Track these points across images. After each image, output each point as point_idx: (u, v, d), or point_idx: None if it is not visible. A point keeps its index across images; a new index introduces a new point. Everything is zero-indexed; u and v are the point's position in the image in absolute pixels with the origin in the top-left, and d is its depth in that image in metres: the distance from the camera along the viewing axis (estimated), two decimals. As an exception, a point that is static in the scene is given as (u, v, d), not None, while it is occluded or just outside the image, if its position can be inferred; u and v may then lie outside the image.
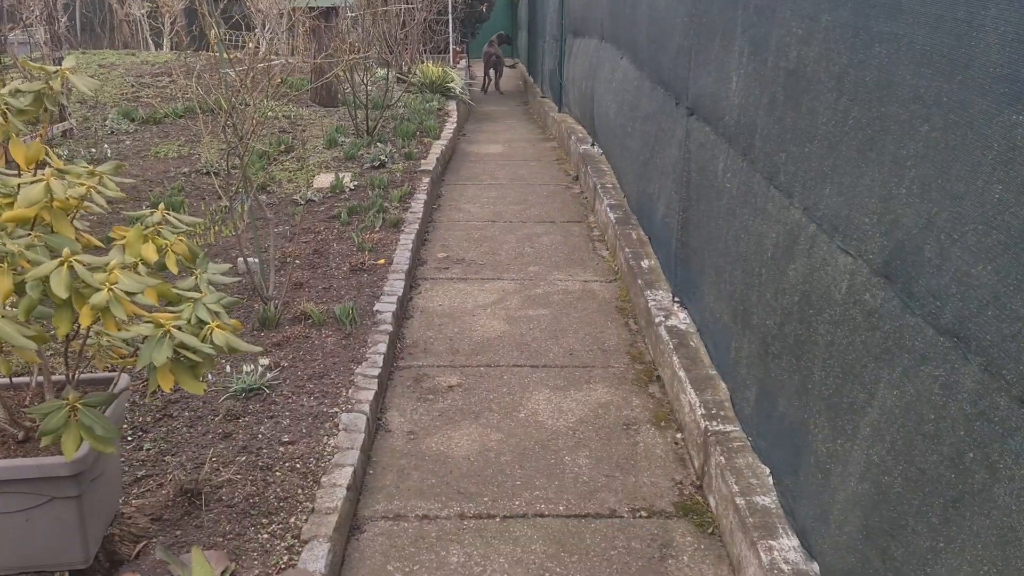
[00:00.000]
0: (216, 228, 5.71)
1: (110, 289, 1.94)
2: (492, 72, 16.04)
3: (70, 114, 8.46)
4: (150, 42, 15.72)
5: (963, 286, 1.72)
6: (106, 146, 7.91)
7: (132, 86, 10.59)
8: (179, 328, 1.99)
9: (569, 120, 10.02)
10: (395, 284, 4.77)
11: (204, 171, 7.16)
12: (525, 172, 8.41)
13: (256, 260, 4.67)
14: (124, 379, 2.40)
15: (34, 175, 2.31)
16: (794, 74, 2.71)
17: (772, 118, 2.91)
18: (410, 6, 10.93)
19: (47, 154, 2.40)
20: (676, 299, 4.36)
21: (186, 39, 11.65)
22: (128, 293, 1.98)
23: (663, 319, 4.19)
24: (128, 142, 8.32)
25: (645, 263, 4.94)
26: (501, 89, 16.49)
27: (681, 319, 4.18)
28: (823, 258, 2.45)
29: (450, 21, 14.47)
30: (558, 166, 8.80)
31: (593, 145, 7.97)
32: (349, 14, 9.42)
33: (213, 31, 4.37)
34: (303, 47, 10.29)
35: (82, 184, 2.18)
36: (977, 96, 1.70)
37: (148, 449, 3.12)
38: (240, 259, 4.75)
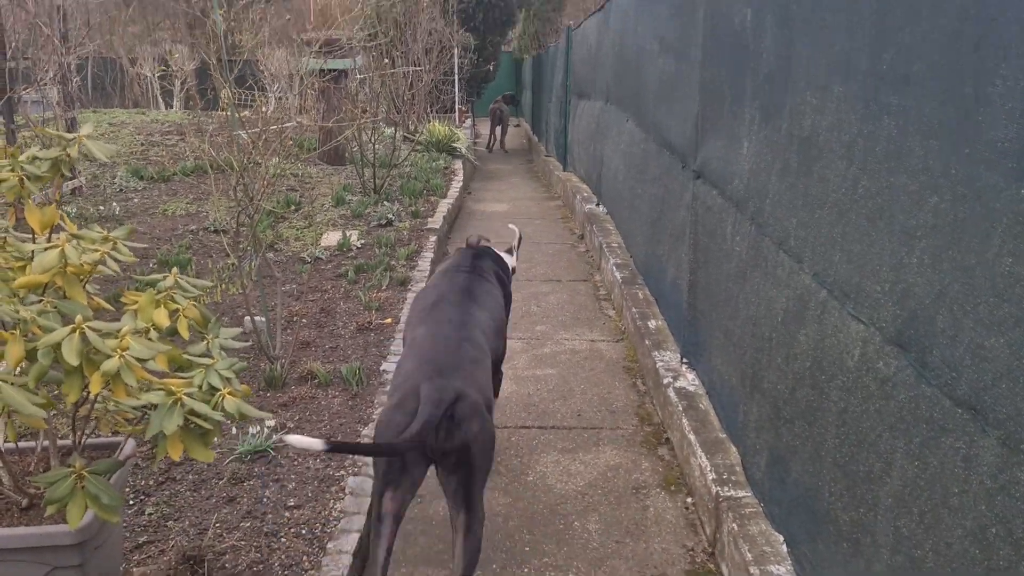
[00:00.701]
0: (223, 286, 5.73)
1: (121, 356, 1.94)
2: (497, 130, 16.34)
3: (79, 172, 8.57)
4: (160, 101, 15.99)
5: (977, 358, 1.72)
6: (115, 204, 7.99)
7: (141, 144, 10.75)
8: (190, 395, 1.98)
9: (574, 179, 10.13)
10: (401, 344, 4.75)
11: (212, 229, 7.22)
12: (531, 230, 8.46)
13: (263, 319, 4.67)
14: (130, 445, 2.38)
15: (48, 240, 2.33)
16: (807, 142, 2.74)
17: (784, 184, 2.93)
18: (417, 68, 11.15)
19: (61, 218, 2.43)
20: (684, 360, 4.34)
21: (199, 100, 11.87)
22: (139, 360, 1.97)
23: (671, 380, 4.16)
24: (136, 200, 8.41)
25: (652, 323, 4.93)
26: (506, 147, 16.75)
27: (690, 380, 4.16)
28: (835, 325, 2.44)
29: (456, 81, 14.74)
30: (563, 224, 8.86)
31: (598, 205, 8.03)
32: (358, 76, 9.61)
33: (225, 92, 4.45)
34: (312, 108, 10.47)
35: (96, 250, 2.19)
36: (985, 170, 1.71)
37: (150, 514, 3.08)
38: (247, 318, 4.76)
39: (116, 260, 2.28)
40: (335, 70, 9.85)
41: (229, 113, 4.43)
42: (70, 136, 2.35)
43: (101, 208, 7.87)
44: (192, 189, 8.67)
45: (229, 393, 2.04)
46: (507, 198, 10.77)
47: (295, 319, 5.22)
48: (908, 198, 2.03)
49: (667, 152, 4.89)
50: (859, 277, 2.30)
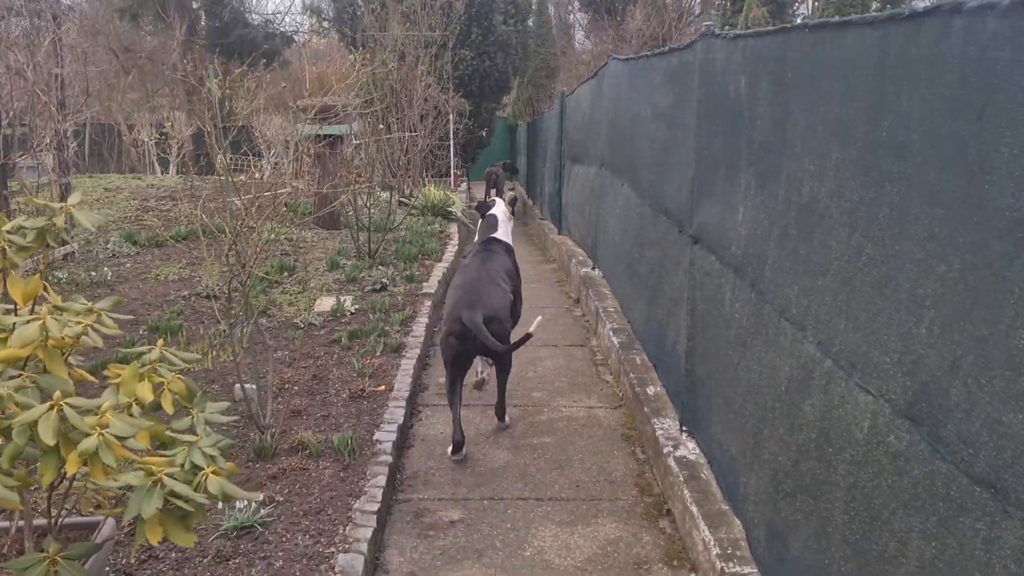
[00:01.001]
0: (214, 353, 5.64)
1: (100, 434, 1.85)
2: (493, 192, 16.49)
3: (72, 237, 8.54)
4: (156, 166, 16.10)
5: (995, 434, 1.64)
6: (106, 269, 7.94)
7: (136, 209, 10.76)
8: (171, 475, 1.89)
9: (569, 243, 10.13)
10: (395, 412, 4.66)
11: (204, 294, 7.16)
12: (527, 294, 8.36)
13: (254, 387, 4.58)
14: (109, 525, 2.28)
15: (31, 311, 2.26)
16: (806, 208, 2.71)
17: (784, 251, 2.89)
18: (413, 134, 11.25)
19: (45, 289, 2.36)
20: (684, 428, 4.25)
21: (194, 165, 11.93)
22: (119, 438, 1.89)
23: (671, 449, 4.06)
24: (129, 265, 8.36)
25: (651, 390, 4.85)
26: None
27: (690, 449, 4.06)
28: (841, 395, 2.37)
29: (451, 146, 14.89)
30: (559, 288, 8.82)
31: (594, 268, 8.01)
32: (354, 141, 9.68)
33: (219, 157, 4.44)
34: (308, 173, 10.52)
35: (79, 323, 2.12)
36: (994, 238, 1.67)
37: (132, 595, 2.94)
38: (237, 386, 4.67)
39: (101, 332, 2.21)
40: (331, 136, 9.93)
41: (223, 178, 4.42)
42: (57, 205, 2.30)
43: (93, 274, 7.81)
44: (185, 254, 8.63)
45: (213, 472, 1.95)
46: (502, 261, 10.76)
47: (287, 386, 5.12)
48: (915, 266, 1.99)
49: (663, 217, 4.87)
50: (866, 347, 2.24)
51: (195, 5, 27.01)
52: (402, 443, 4.53)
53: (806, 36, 2.73)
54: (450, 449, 4.45)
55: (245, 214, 4.20)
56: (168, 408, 2.17)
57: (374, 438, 4.30)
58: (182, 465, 1.94)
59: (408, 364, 5.41)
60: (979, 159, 1.73)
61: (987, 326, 1.69)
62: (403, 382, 5.10)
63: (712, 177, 3.83)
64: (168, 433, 2.08)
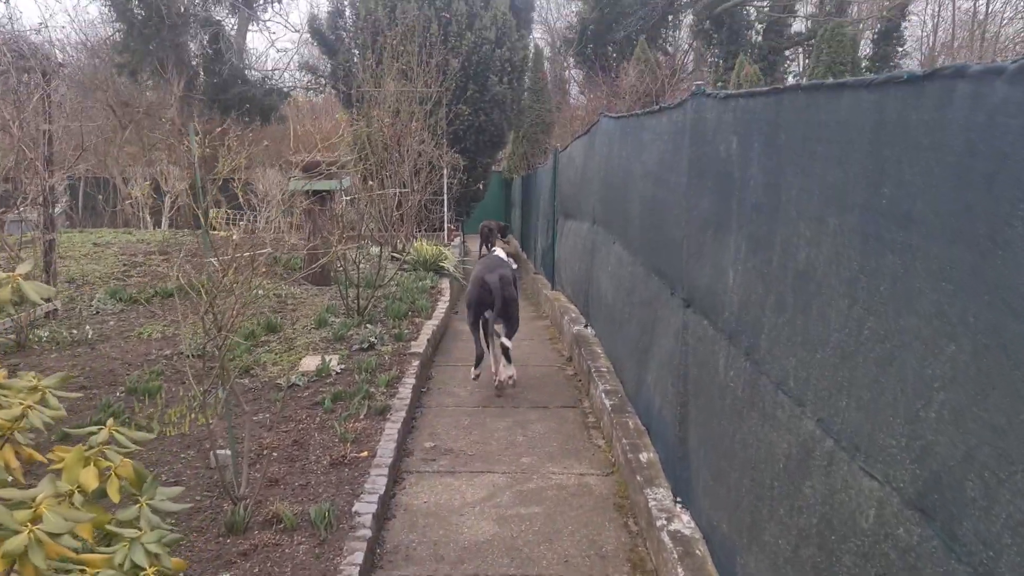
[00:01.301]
0: (192, 416, 5.45)
1: (31, 531, 1.68)
2: (487, 246, 16.51)
3: (56, 295, 8.38)
4: (148, 221, 16.02)
5: (1019, 537, 1.48)
6: (88, 328, 7.77)
7: (124, 265, 10.63)
8: (108, 577, 1.71)
9: (562, 299, 10.00)
10: (377, 480, 4.45)
11: (187, 354, 6.98)
12: (517, 353, 8.21)
13: (229, 453, 4.38)
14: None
15: (-29, 389, 2.10)
16: (803, 276, 2.57)
17: (780, 319, 2.75)
18: (404, 190, 11.20)
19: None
20: (678, 499, 4.05)
21: (190, 218, 11.79)
22: (53, 535, 1.71)
23: (665, 523, 3.86)
24: (112, 323, 8.19)
25: (644, 456, 4.66)
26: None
27: (685, 523, 3.86)
28: (844, 479, 2.20)
29: (445, 201, 14.86)
30: (551, 345, 8.66)
31: (587, 326, 7.86)
32: (345, 197, 9.60)
33: (207, 211, 4.31)
34: (298, 227, 10.43)
35: (21, 403, 1.96)
36: (1011, 319, 1.53)
37: None
38: (213, 452, 4.48)
39: (44, 417, 2.04)
40: (321, 191, 9.86)
41: (202, 237, 4.29)
42: (3, 275, 2.15)
43: (75, 332, 7.64)
44: (171, 311, 8.46)
45: (156, 572, 1.76)
46: (494, 317, 10.61)
47: (265, 452, 4.92)
48: (922, 344, 1.84)
49: (655, 277, 4.75)
50: (870, 427, 2.08)
51: (194, 62, 27.28)
52: (383, 514, 4.32)
53: (799, 97, 2.63)
54: (472, 369, 6.78)
55: (222, 275, 4.05)
56: (114, 496, 1.99)
57: (353, 509, 4.10)
58: (121, 564, 1.76)
59: (392, 428, 5.22)
60: (990, 232, 1.59)
61: (1005, 415, 1.54)
62: (386, 448, 4.90)
63: (703, 238, 3.71)
64: (109, 528, 1.90)
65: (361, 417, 5.45)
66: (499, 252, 7.64)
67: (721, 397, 3.37)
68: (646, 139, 5.11)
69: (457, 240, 15.66)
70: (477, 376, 6.71)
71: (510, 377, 6.75)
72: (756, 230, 3.04)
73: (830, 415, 2.32)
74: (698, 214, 3.81)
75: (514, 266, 7.29)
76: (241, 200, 7.21)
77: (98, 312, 8.53)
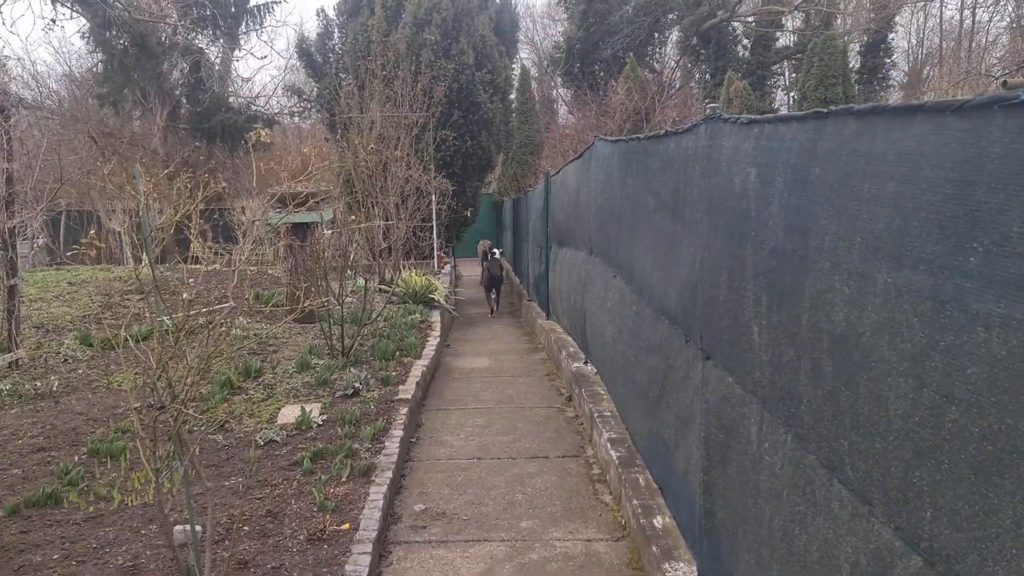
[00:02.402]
0: (155, 482, 4.92)
1: None
2: (485, 264, 16.82)
3: (20, 343, 7.86)
4: (129, 256, 15.49)
5: None
6: (54, 378, 7.25)
7: (98, 305, 10.12)
8: None
9: (558, 330, 9.52)
10: (359, 560, 3.94)
11: (158, 406, 6.47)
12: (513, 392, 7.76)
13: (197, 528, 3.88)
14: None
15: None
16: (842, 342, 2.11)
17: (818, 390, 2.28)
18: (388, 222, 10.73)
19: None
20: (703, 579, 3.55)
21: (179, 253, 11.25)
22: None
23: (689, 608, 3.36)
24: (81, 371, 7.68)
25: (658, 521, 4.16)
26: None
27: (712, 608, 3.36)
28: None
29: (434, 228, 14.40)
30: (549, 383, 8.17)
31: (586, 363, 7.37)
32: (325, 231, 9.12)
33: (147, 270, 3.83)
34: (280, 262, 9.95)
35: None
36: None
37: None
38: (178, 528, 3.96)
39: None
40: (304, 224, 9.39)
41: (153, 294, 3.81)
42: None
43: (38, 384, 7.12)
44: (145, 357, 7.95)
45: None
46: (488, 350, 10.12)
47: (235, 526, 4.40)
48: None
49: (665, 320, 4.27)
50: (976, 556, 1.60)
51: (176, 91, 26.86)
52: (367, 601, 3.80)
53: (848, 124, 2.16)
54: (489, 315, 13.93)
55: (174, 339, 3.57)
56: None
57: (332, 601, 3.58)
58: None
59: (378, 492, 4.71)
60: None
61: None
62: (370, 517, 4.39)
63: (717, 284, 3.24)
64: None
65: (343, 479, 4.94)
66: (498, 256, 14.22)
67: (755, 471, 2.89)
68: (652, 166, 4.65)
69: (447, 267, 15.18)
70: (491, 312, 14.08)
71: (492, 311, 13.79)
72: (777, 280, 2.58)
73: (912, 525, 1.84)
74: (711, 255, 3.35)
75: (506, 266, 12.89)
76: (207, 235, 6.72)
77: (67, 359, 8.00)
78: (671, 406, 4.14)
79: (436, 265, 14.64)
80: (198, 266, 10.64)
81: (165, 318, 3.75)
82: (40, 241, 15.88)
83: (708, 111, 3.28)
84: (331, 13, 18.89)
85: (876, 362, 1.96)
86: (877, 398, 1.96)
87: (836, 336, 2.17)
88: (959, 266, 1.64)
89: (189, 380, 3.55)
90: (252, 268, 13.57)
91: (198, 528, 3.91)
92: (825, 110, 2.29)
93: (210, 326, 3.74)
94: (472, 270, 21.48)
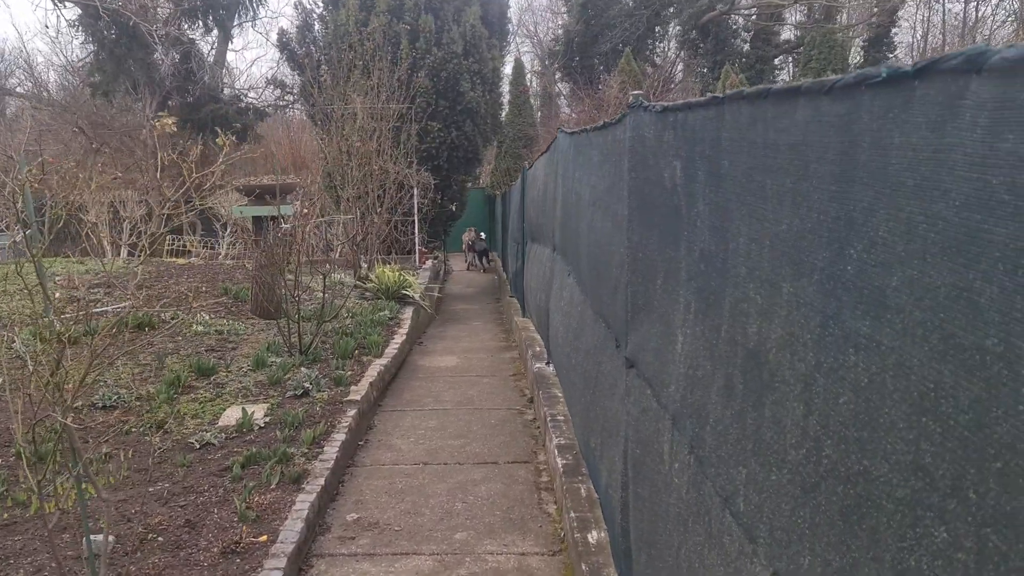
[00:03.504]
0: (37, 494, 4.69)
1: None
2: (470, 256, 20.86)
3: (-34, 338, 7.62)
4: (107, 249, 15.28)
5: None
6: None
7: (59, 301, 9.86)
8: None
9: (530, 327, 9.27)
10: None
11: (101, 405, 6.25)
12: (475, 393, 7.51)
13: (110, 538, 3.64)
14: None
15: None
16: (753, 357, 1.86)
17: (728, 411, 2.03)
18: (350, 216, 10.47)
19: None
20: (626, 602, 3.31)
21: (162, 244, 11.04)
22: None
23: (609, 636, 3.12)
24: (31, 366, 7.42)
25: (592, 536, 3.91)
26: (485, 268, 20.51)
27: (633, 635, 3.11)
28: None
29: (415, 222, 14.14)
30: (514, 383, 7.92)
31: (548, 364, 7.12)
32: (283, 225, 8.87)
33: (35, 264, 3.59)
34: (246, 255, 9.71)
35: None
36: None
37: None
38: (96, 537, 3.73)
39: None
40: (273, 217, 9.15)
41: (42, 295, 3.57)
42: None
43: (-19, 380, 6.87)
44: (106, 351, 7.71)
45: None
46: (460, 348, 9.87)
47: (151, 536, 4.17)
48: (899, 513, 1.12)
49: (602, 323, 4.02)
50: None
51: (167, 83, 26.57)
52: (273, 621, 3.56)
53: (742, 110, 1.91)
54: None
55: (59, 340, 3.33)
56: None
57: (230, 623, 3.34)
58: None
59: (305, 501, 4.47)
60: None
61: None
62: (291, 529, 4.15)
63: (651, 286, 2.99)
64: None
65: (272, 487, 4.70)
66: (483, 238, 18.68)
67: (666, 492, 2.64)
68: (593, 159, 4.40)
69: (429, 263, 14.91)
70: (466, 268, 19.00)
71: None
72: (705, 284, 2.32)
73: (789, 571, 1.60)
74: (644, 255, 3.09)
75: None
76: (196, 227, 6.47)
77: (17, 357, 7.76)
78: (600, 414, 3.90)
79: (417, 260, 14.38)
80: (175, 259, 10.44)
81: (51, 318, 3.51)
82: (19, 235, 15.61)
83: (631, 99, 3.02)
84: (308, 4, 18.62)
85: (779, 383, 1.71)
86: (778, 423, 1.71)
87: (749, 350, 1.92)
88: (839, 276, 1.40)
89: (69, 387, 3.28)
90: (229, 261, 13.34)
91: (104, 539, 3.68)
92: (721, 95, 2.03)
93: (99, 331, 3.49)
94: (461, 265, 21.24)
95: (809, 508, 1.51)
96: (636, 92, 3.07)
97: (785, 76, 33.07)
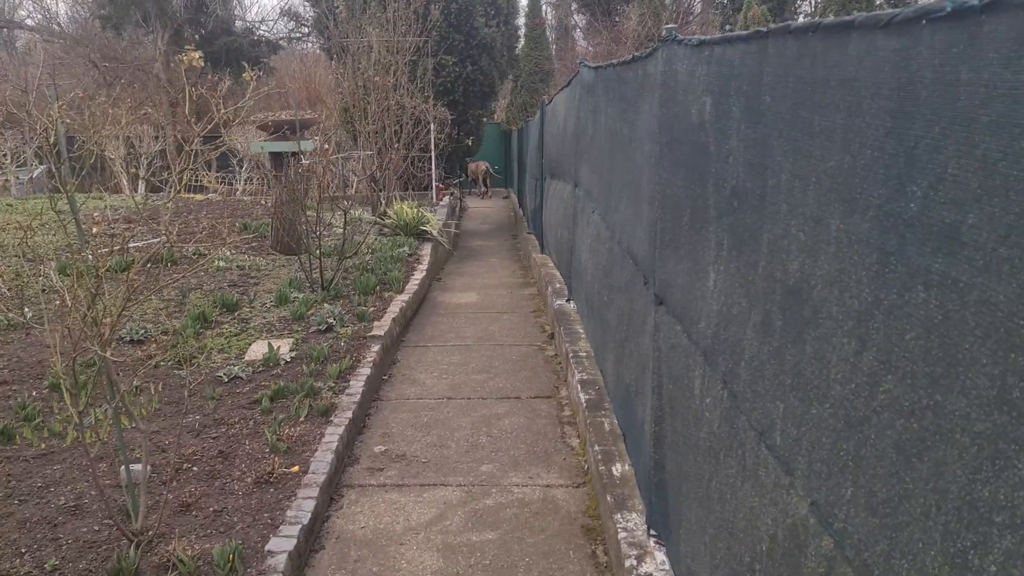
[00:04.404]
0: (78, 422, 4.80)
1: None
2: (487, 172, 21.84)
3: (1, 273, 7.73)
4: (125, 184, 15.29)
5: None
6: (27, 309, 7.12)
7: (97, 235, 9.94)
8: None
9: (549, 264, 9.29)
10: (304, 505, 3.81)
11: (129, 339, 6.36)
12: (496, 329, 7.57)
13: (137, 467, 3.76)
14: None
15: None
16: (794, 294, 1.86)
17: (765, 347, 2.04)
18: (370, 152, 10.40)
19: None
20: (652, 532, 3.39)
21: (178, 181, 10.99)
22: None
23: (635, 563, 3.21)
24: (58, 301, 7.53)
25: (617, 469, 4.00)
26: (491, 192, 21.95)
27: (658, 563, 3.21)
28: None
29: (432, 158, 14.05)
30: (534, 319, 7.97)
31: (569, 300, 7.15)
32: (304, 161, 8.84)
33: (71, 188, 3.62)
34: (266, 191, 9.71)
35: None
36: None
37: None
38: (122, 468, 3.85)
39: None
40: (282, 154, 9.11)
41: (73, 226, 3.61)
42: None
43: (12, 315, 6.99)
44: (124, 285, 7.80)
45: None
46: (479, 284, 9.92)
47: (185, 466, 4.28)
48: (973, 443, 1.14)
49: (630, 260, 4.03)
50: (887, 546, 1.39)
51: (179, 15, 26.24)
52: (308, 547, 3.68)
53: (788, 45, 1.88)
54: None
55: (95, 276, 3.38)
56: None
57: (267, 547, 3.45)
58: None
59: (334, 433, 4.57)
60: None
61: None
62: (322, 460, 4.25)
63: (676, 223, 2.98)
64: None
65: (301, 420, 4.79)
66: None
67: (696, 426, 2.69)
68: (623, 94, 4.34)
69: (446, 199, 14.87)
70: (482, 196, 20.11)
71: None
72: (738, 222, 2.32)
73: (829, 501, 1.63)
74: (672, 192, 3.08)
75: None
76: (212, 165, 6.49)
77: (45, 290, 7.87)
78: (633, 351, 3.93)
79: (434, 197, 14.34)
80: (193, 195, 10.49)
81: (88, 253, 3.54)
82: (36, 171, 15.64)
83: (665, 32, 2.97)
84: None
85: (824, 319, 1.72)
86: (821, 359, 1.73)
87: (789, 288, 1.92)
88: (901, 213, 1.39)
89: (108, 321, 3.34)
90: (247, 198, 13.35)
91: (143, 468, 3.78)
92: (765, 29, 2.00)
93: (132, 266, 3.53)
94: (477, 202, 21.18)
95: (854, 442, 1.54)
96: (670, 26, 3.02)
97: (807, 8, 32.19)
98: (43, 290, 7.69)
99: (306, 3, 19.80)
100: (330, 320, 6.61)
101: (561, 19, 33.77)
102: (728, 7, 28.61)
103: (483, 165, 21.32)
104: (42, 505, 3.96)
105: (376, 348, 6.08)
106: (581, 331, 6.23)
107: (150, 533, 3.59)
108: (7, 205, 13.25)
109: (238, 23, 27.34)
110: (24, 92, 11.56)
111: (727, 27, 25.88)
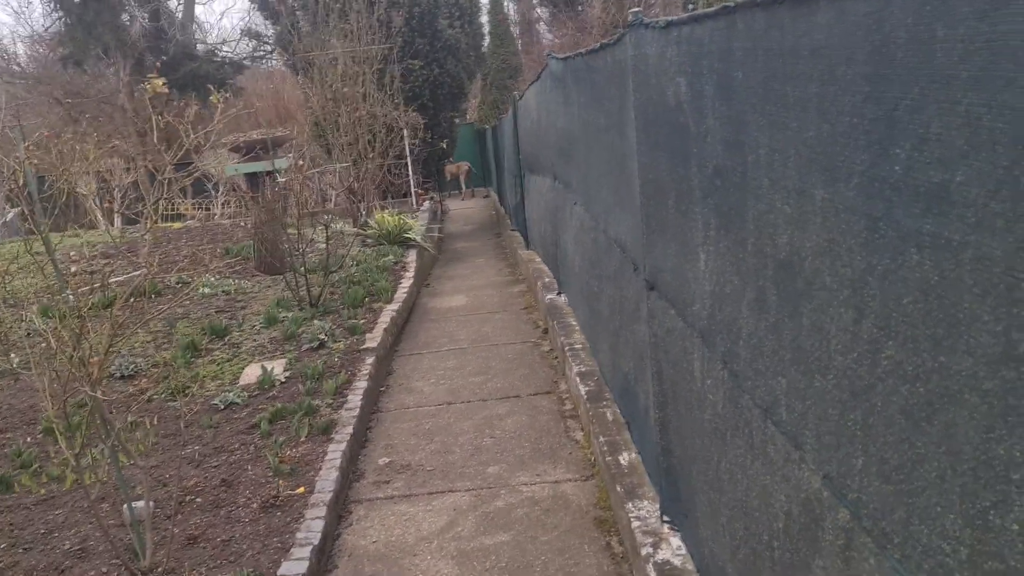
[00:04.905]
0: (74, 465, 4.75)
1: None
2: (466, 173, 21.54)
3: (-20, 321, 7.63)
4: (100, 219, 15.15)
5: None
6: (13, 355, 7.04)
7: (75, 274, 9.84)
8: None
9: (536, 259, 9.27)
10: (313, 525, 3.78)
11: (119, 375, 6.29)
12: (489, 329, 7.55)
13: (140, 504, 3.71)
14: None
15: None
16: (786, 267, 1.85)
17: (761, 323, 2.03)
18: (345, 165, 10.35)
19: None
20: (665, 518, 3.38)
21: (154, 214, 10.87)
22: None
23: (651, 551, 3.20)
24: (44, 344, 7.45)
25: (624, 458, 3.98)
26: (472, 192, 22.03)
27: (675, 548, 3.19)
28: (870, 571, 1.51)
29: (408, 164, 13.99)
30: (526, 316, 7.95)
31: (559, 294, 7.13)
32: (279, 179, 8.78)
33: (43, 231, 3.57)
34: (242, 213, 9.64)
35: None
36: None
37: None
38: (125, 506, 3.80)
39: None
40: (268, 172, 9.05)
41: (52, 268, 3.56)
42: None
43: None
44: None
45: None
46: (468, 286, 9.88)
47: (188, 498, 4.24)
48: (982, 402, 1.13)
49: (617, 249, 4.01)
50: (904, 512, 1.38)
51: (139, 44, 26.01)
52: (320, 567, 3.65)
53: (757, 18, 1.86)
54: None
55: (78, 316, 3.33)
56: None
57: (279, 572, 3.42)
58: None
59: (336, 450, 4.53)
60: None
61: None
62: (327, 478, 4.22)
63: (662, 208, 2.97)
64: None
65: (302, 439, 4.76)
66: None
67: (700, 408, 2.67)
68: (594, 82, 4.32)
69: (427, 204, 14.81)
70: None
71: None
72: (722, 201, 2.30)
73: (841, 474, 1.62)
74: (655, 177, 3.06)
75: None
76: (187, 191, 6.42)
77: (30, 334, 7.78)
78: (629, 338, 3.92)
79: (414, 203, 14.28)
80: (171, 224, 10.40)
81: (68, 293, 3.50)
82: (9, 214, 15.47)
83: (631, 17, 2.95)
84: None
85: (819, 290, 1.70)
86: (819, 331, 1.71)
87: (780, 262, 1.91)
88: (886, 177, 1.37)
89: (95, 360, 3.30)
90: (226, 221, 13.26)
91: (145, 504, 3.74)
92: (733, 4, 1.98)
93: (116, 302, 3.48)
94: (457, 204, 21.13)
95: (861, 411, 1.52)
96: (635, 10, 3.00)
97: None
98: (27, 334, 7.59)
99: (267, 21, 19.67)
100: (322, 336, 6.56)
101: (524, 13, 33.75)
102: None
103: (464, 165, 21.18)
104: (47, 551, 3.91)
105: (371, 360, 6.05)
106: (574, 323, 6.21)
107: (159, 569, 3.55)
108: (-17, 251, 13.10)
109: (199, 47, 27.15)
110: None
111: (690, 6, 25.91)
